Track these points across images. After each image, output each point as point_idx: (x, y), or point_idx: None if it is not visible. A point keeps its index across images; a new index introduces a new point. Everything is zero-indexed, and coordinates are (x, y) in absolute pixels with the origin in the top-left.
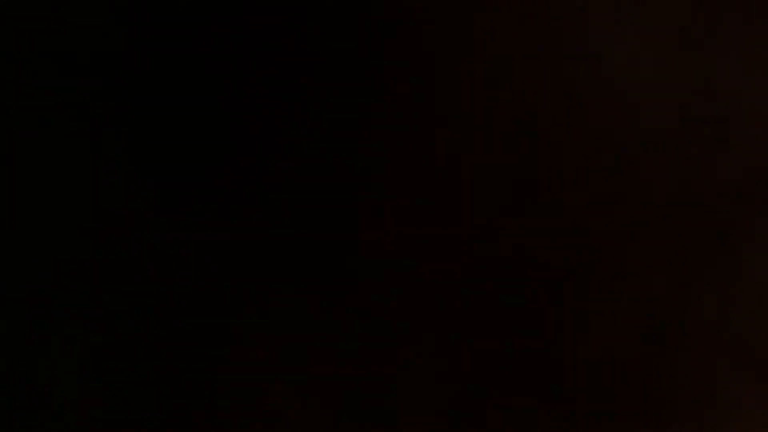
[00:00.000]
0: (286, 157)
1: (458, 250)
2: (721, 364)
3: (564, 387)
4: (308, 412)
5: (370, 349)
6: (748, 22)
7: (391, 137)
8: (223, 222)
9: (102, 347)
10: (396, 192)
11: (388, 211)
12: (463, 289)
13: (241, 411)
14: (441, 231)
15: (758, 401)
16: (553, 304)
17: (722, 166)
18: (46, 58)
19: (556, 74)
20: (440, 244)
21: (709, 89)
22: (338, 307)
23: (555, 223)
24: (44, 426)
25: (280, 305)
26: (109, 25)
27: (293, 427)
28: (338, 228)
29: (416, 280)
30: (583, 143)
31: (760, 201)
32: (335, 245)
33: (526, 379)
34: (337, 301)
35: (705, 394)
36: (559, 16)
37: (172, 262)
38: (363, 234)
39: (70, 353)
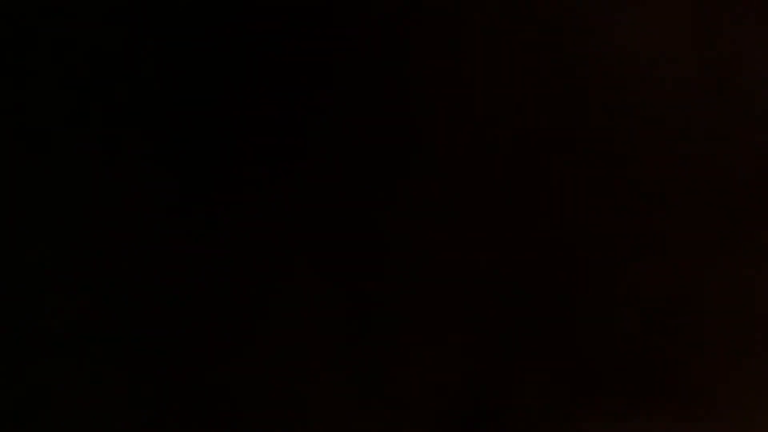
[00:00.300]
0: (304, 152)
1: (475, 237)
2: (736, 348)
3: (579, 370)
4: (325, 409)
5: (388, 341)
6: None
7: (410, 129)
8: (238, 219)
9: (115, 339)
10: (410, 187)
11: (401, 204)
12: (481, 275)
13: (250, 408)
14: (459, 220)
15: None
16: (568, 291)
17: (735, 154)
18: (59, 43)
19: (568, 67)
20: (458, 234)
21: (723, 76)
22: (358, 302)
23: (569, 210)
24: (53, 425)
25: (295, 302)
26: (126, 14)
27: (305, 424)
28: (355, 225)
29: (433, 269)
30: (598, 129)
31: None
32: (352, 242)
33: (541, 364)
34: (357, 295)
35: (720, 378)
36: (570, 11)
37: (186, 259)
38: (381, 228)
39: (81, 346)
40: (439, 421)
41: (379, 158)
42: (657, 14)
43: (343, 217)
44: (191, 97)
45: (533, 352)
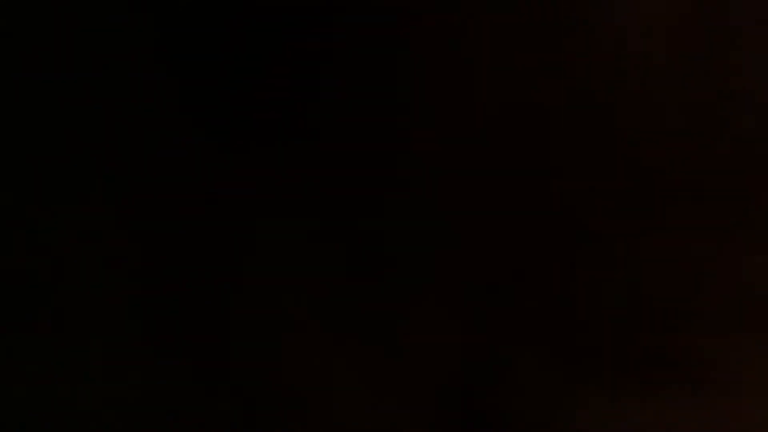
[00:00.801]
0: (306, 137)
1: (474, 228)
2: (736, 329)
3: (578, 347)
4: (322, 406)
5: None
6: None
7: (411, 122)
8: (240, 218)
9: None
10: (409, 183)
11: (397, 198)
12: (481, 268)
13: (247, 405)
14: (456, 213)
15: None
16: (567, 282)
17: (739, 142)
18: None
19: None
20: (456, 225)
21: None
22: (356, 299)
23: (569, 202)
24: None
25: (293, 300)
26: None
27: (303, 422)
28: (355, 223)
29: (431, 263)
30: (598, 126)
31: None
32: (353, 240)
33: (540, 357)
34: (356, 292)
35: (720, 361)
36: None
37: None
38: (381, 226)
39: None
40: (439, 419)
41: (381, 148)
42: (657, 12)
43: (344, 216)
44: (193, 89)
45: (532, 343)
